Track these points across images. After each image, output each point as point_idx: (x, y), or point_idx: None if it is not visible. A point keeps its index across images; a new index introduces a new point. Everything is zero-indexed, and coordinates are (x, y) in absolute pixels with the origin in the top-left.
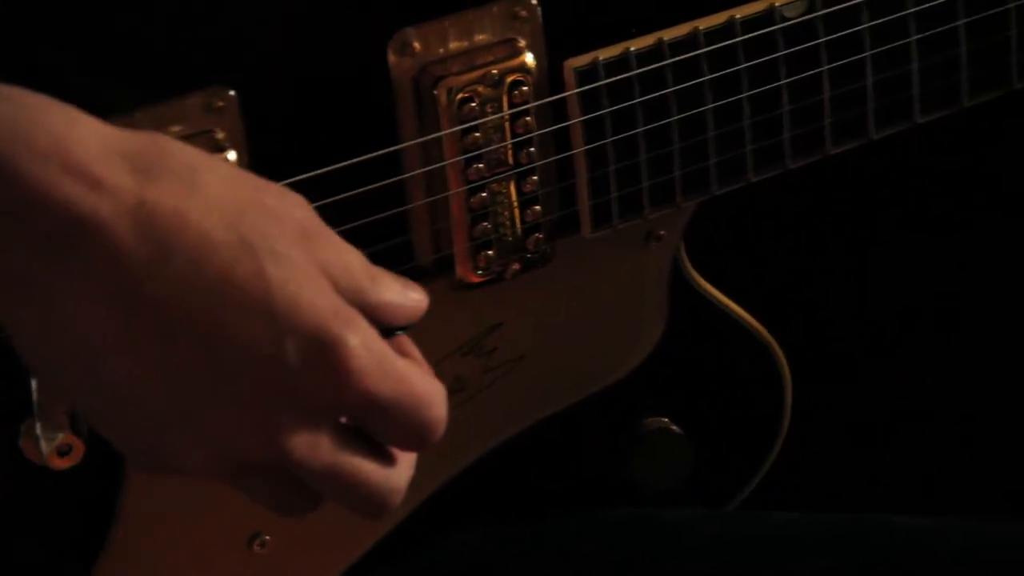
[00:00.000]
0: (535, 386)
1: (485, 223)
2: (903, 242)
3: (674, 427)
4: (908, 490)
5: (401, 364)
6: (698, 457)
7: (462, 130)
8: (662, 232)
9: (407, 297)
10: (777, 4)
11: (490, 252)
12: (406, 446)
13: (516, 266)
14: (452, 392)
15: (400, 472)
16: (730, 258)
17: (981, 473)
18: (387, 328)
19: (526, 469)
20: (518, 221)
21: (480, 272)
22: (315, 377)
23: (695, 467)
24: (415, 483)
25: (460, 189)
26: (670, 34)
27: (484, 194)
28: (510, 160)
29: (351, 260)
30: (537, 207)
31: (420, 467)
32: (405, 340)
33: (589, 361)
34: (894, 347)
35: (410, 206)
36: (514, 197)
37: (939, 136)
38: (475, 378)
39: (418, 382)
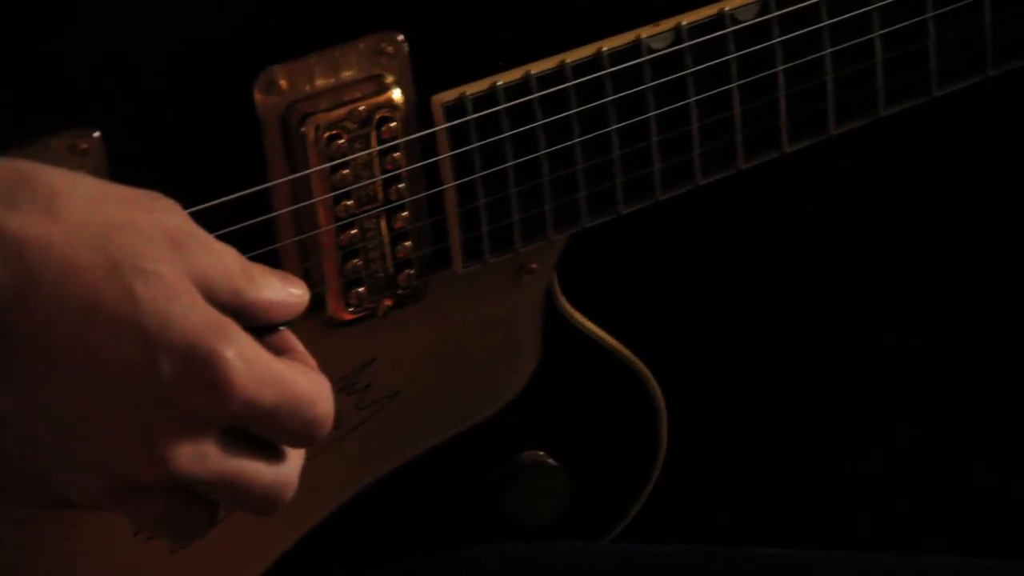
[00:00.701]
0: (410, 422)
1: (356, 260)
2: (775, 270)
3: (550, 460)
4: (785, 522)
5: (280, 368)
6: (574, 490)
7: (331, 167)
8: (534, 265)
9: (288, 293)
10: (644, 36)
11: (361, 289)
12: (295, 445)
13: (388, 302)
14: None
15: (290, 467)
16: (604, 289)
17: (857, 503)
18: (269, 325)
19: (400, 506)
20: (389, 257)
21: (352, 309)
22: (193, 392)
23: (572, 500)
24: (289, 524)
25: (330, 226)
26: (538, 68)
27: (354, 231)
28: (380, 196)
29: (227, 262)
30: (408, 243)
31: (292, 508)
32: (288, 336)
33: (464, 395)
34: (770, 376)
35: (280, 244)
36: (385, 233)
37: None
38: (348, 415)
39: (300, 382)
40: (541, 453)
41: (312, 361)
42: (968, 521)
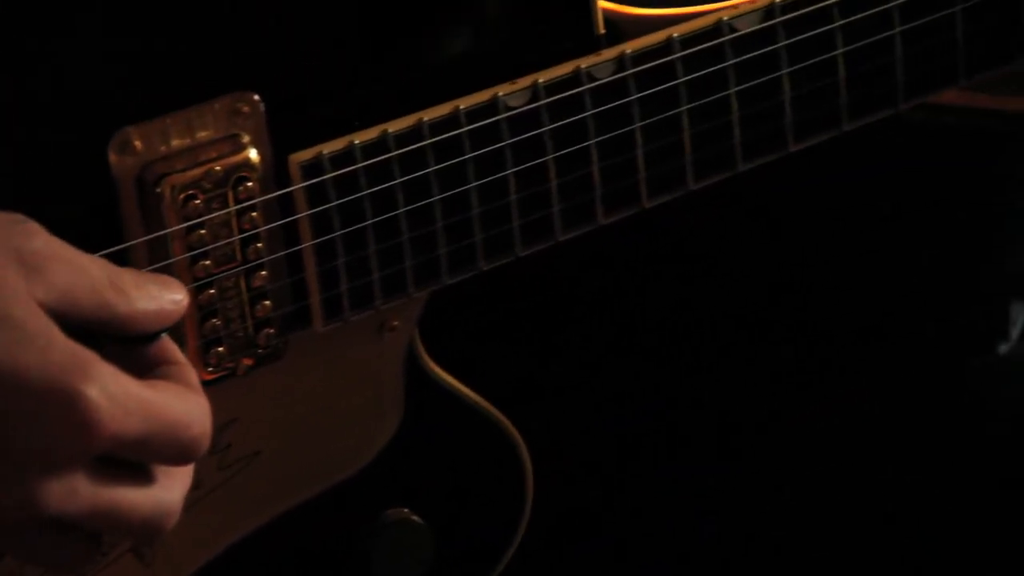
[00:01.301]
0: (272, 481)
1: (215, 320)
2: (638, 324)
3: (415, 517)
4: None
5: (149, 395)
6: (439, 547)
7: (188, 227)
8: (396, 322)
9: (163, 300)
10: (501, 94)
11: (221, 348)
12: (173, 466)
13: (248, 361)
14: None
15: (170, 493)
16: (468, 343)
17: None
18: (146, 335)
19: (268, 564)
20: (248, 317)
21: (211, 369)
22: (58, 433)
23: (438, 557)
24: None
25: (188, 287)
26: (395, 126)
27: (213, 291)
28: (238, 256)
29: (94, 276)
30: (267, 302)
31: (156, 569)
32: (167, 345)
33: (327, 454)
34: (636, 431)
35: None
36: (244, 293)
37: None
38: (209, 476)
39: (172, 406)
40: (406, 510)
41: (192, 374)
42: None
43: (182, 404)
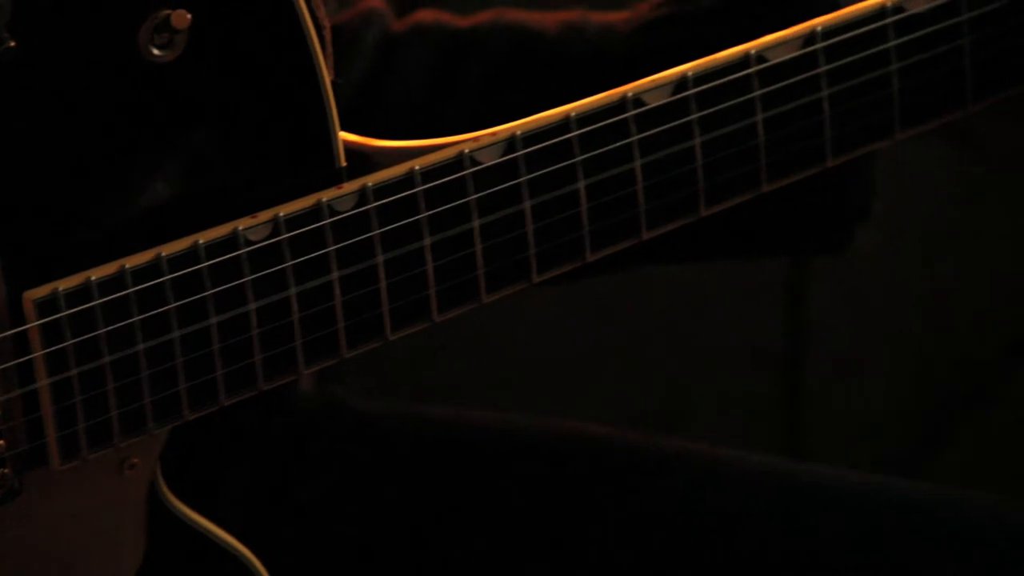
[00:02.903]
0: None
1: None
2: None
3: None
4: None
5: None
6: None
7: None
8: (136, 460)
9: None
10: (241, 228)
11: None
12: None
13: None
14: None
15: None
16: (211, 477)
17: None
18: None
19: None
20: None
21: None
22: None
23: None
24: None
25: None
26: (133, 261)
27: None
28: None
29: None
30: (1, 441)
31: None
32: None
33: None
34: (385, 559)
35: None
36: None
37: None
38: None
39: None
40: None
41: None
42: None
43: None
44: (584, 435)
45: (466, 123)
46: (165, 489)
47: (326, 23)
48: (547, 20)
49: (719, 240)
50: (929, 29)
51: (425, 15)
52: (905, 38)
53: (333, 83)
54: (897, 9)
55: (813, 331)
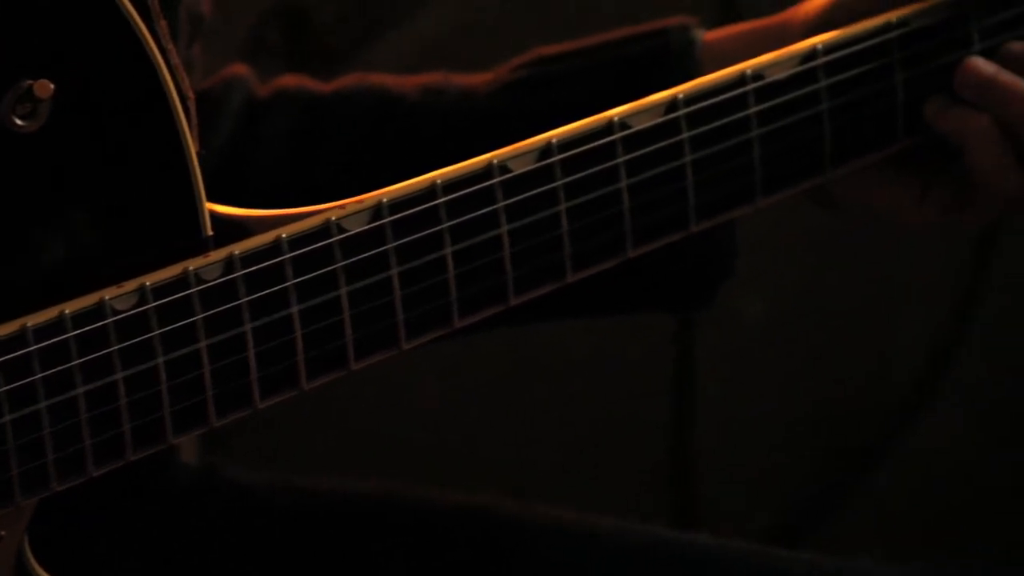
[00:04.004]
0: None
1: None
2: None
3: None
4: None
5: None
6: None
7: None
8: (2, 532)
9: None
10: (108, 297)
11: None
12: None
13: None
14: None
15: None
16: (81, 547)
17: None
18: None
19: None
20: None
21: None
22: None
23: None
24: None
25: None
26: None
27: None
28: None
29: None
30: None
31: None
32: None
33: None
34: None
35: None
36: None
37: None
38: None
39: None
40: None
41: None
42: None
43: None
44: (462, 505)
45: (331, 187)
46: (33, 561)
47: (190, 93)
48: (408, 84)
49: (584, 298)
50: (788, 96)
51: (288, 80)
52: (765, 105)
53: (198, 154)
54: (756, 76)
55: (697, 397)
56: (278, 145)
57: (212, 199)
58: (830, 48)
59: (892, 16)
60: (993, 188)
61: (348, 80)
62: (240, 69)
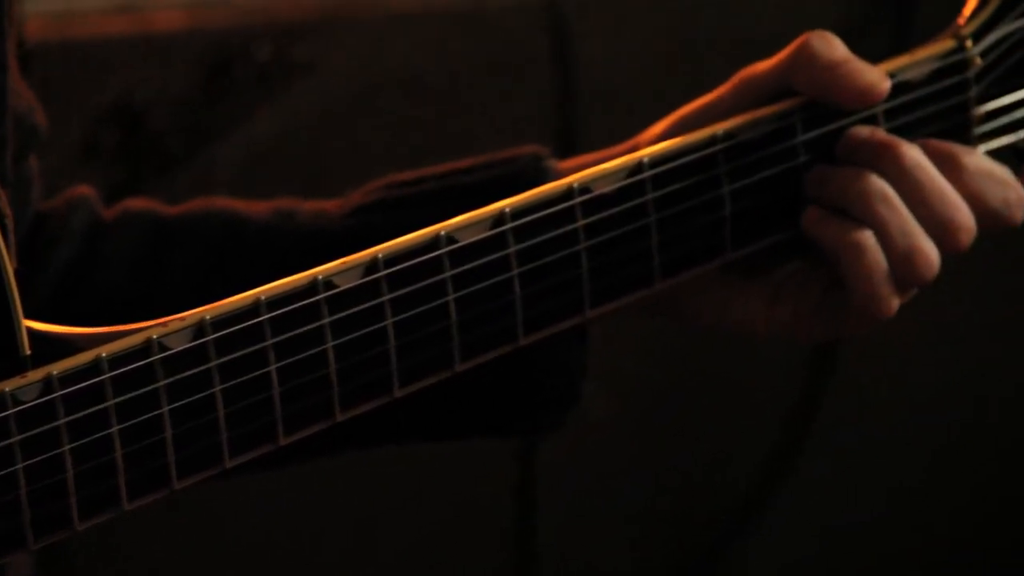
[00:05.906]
0: None
1: None
2: None
3: None
4: None
5: None
6: None
7: None
8: None
9: None
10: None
11: None
12: None
13: None
14: None
15: None
16: None
17: None
18: None
19: None
20: None
21: None
22: None
23: None
24: None
25: None
26: None
27: None
28: None
29: None
30: None
31: None
32: None
33: None
34: None
35: None
36: None
37: None
38: None
39: None
40: None
41: None
42: None
43: None
44: None
45: (176, 309)
46: None
47: (8, 212)
48: (259, 207)
49: (431, 425)
50: (616, 209)
51: (134, 203)
52: (593, 218)
53: (16, 271)
54: (584, 190)
55: (541, 498)
56: (123, 266)
57: (54, 319)
58: (656, 161)
59: (718, 128)
60: (861, 299)
61: (196, 203)
62: (85, 190)
